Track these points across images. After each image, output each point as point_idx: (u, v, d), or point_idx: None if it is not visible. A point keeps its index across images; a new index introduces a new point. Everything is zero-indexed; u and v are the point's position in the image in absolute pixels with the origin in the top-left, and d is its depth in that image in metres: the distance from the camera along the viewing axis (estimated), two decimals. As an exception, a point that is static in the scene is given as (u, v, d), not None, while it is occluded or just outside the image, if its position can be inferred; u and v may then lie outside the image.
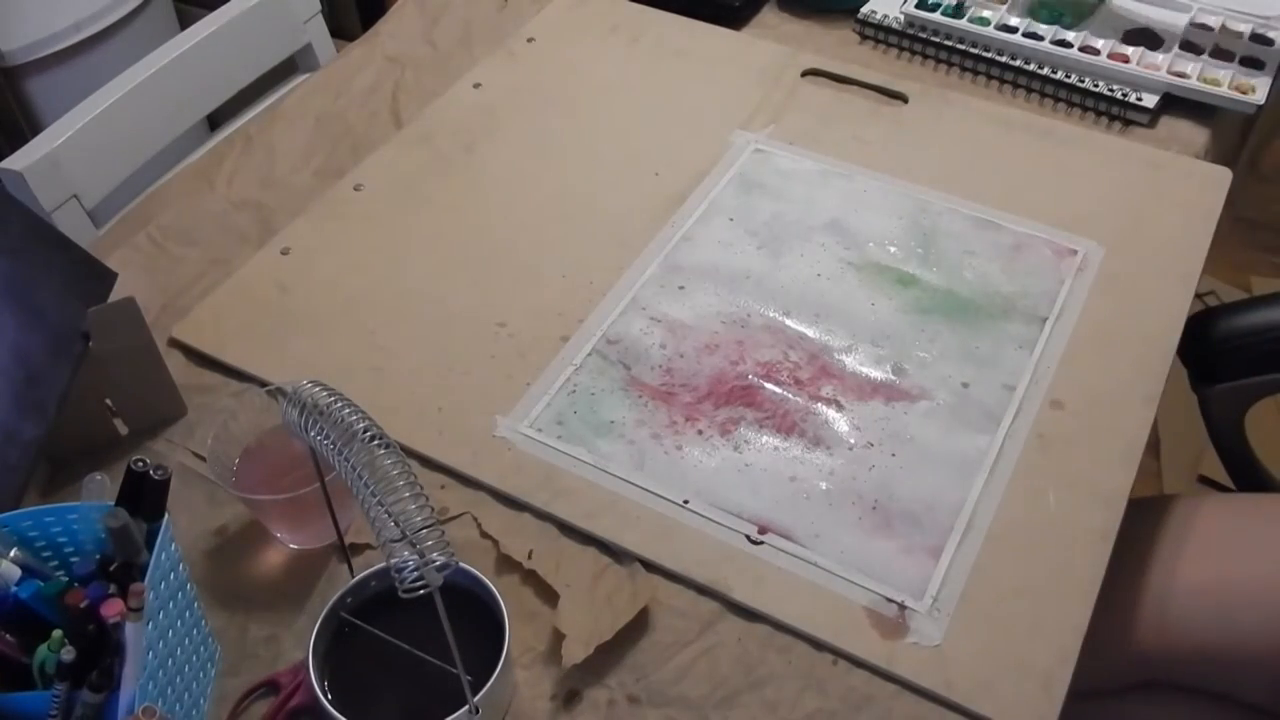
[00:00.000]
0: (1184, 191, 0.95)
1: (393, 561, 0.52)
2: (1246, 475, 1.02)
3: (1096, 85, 1.04)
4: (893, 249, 0.91)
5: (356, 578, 0.65)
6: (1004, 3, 1.12)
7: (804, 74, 1.09)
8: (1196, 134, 1.02)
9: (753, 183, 0.97)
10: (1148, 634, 0.81)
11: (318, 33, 1.23)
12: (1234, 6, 1.10)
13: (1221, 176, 0.96)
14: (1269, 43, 1.07)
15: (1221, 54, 1.06)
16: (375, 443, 0.54)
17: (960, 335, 0.84)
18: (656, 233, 0.93)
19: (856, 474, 0.75)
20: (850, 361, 0.82)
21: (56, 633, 0.55)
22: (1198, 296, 0.86)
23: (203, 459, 0.75)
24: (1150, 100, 1.02)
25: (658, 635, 0.68)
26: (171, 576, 0.61)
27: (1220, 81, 1.03)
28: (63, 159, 0.97)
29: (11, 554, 0.58)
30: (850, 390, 0.80)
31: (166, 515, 0.61)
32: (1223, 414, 0.98)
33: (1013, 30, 1.08)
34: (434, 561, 0.52)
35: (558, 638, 0.66)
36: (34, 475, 0.73)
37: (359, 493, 0.54)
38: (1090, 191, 0.95)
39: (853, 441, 0.77)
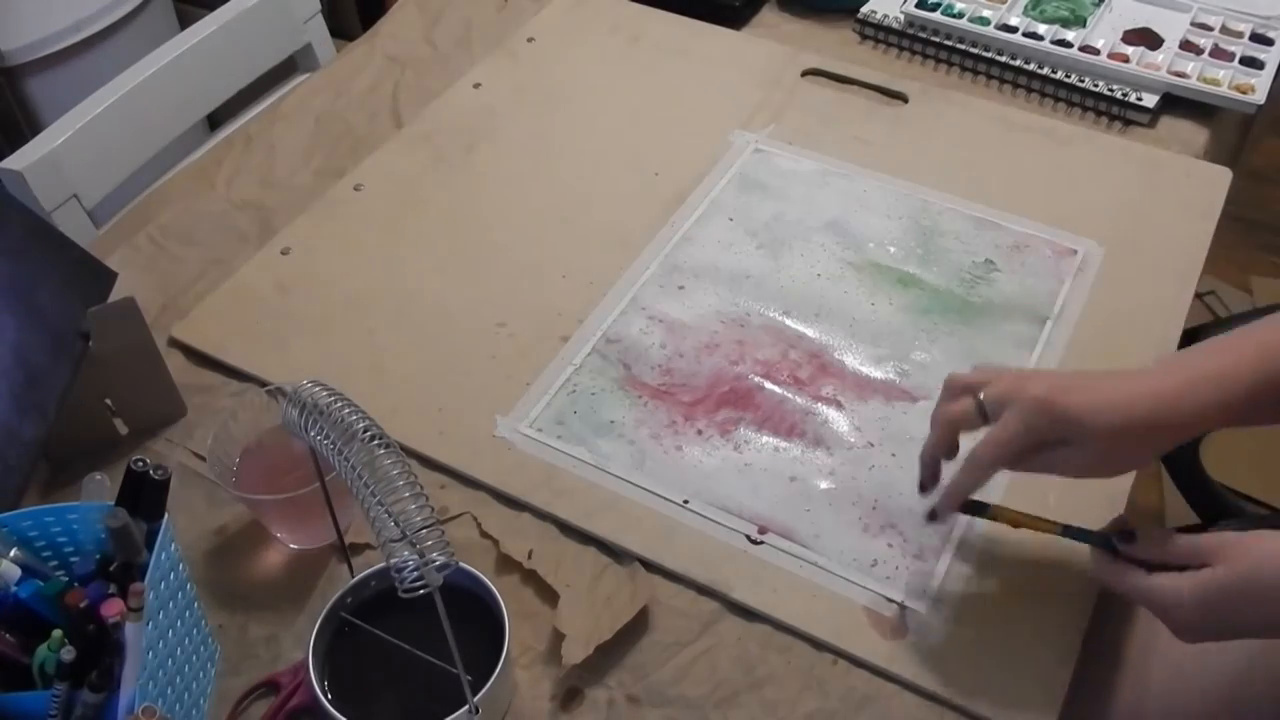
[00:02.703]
0: (1184, 191, 0.95)
1: (393, 561, 0.52)
2: (1206, 504, 1.00)
3: (1096, 85, 1.04)
4: (893, 249, 0.91)
5: (356, 578, 0.65)
6: (1004, 2, 1.12)
7: (804, 74, 1.09)
8: (1196, 134, 1.02)
9: (753, 183, 0.97)
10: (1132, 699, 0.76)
11: (318, 33, 1.23)
12: (1234, 6, 1.10)
13: (1221, 176, 0.96)
14: (1269, 43, 1.07)
15: (1221, 54, 1.06)
16: (375, 443, 0.54)
17: (960, 335, 0.84)
18: (656, 233, 0.93)
19: (856, 474, 0.75)
20: (850, 361, 0.82)
21: (56, 633, 0.55)
22: (1198, 296, 0.86)
23: (203, 459, 0.75)
24: (1150, 100, 1.02)
25: (658, 635, 0.68)
26: (171, 576, 0.61)
27: (1220, 81, 1.03)
28: (63, 159, 0.97)
29: (11, 554, 0.58)
30: (850, 390, 0.80)
31: (166, 515, 0.61)
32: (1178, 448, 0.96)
33: (1013, 30, 1.08)
34: (434, 561, 0.52)
35: (558, 638, 0.66)
36: (34, 475, 0.73)
37: (359, 493, 0.54)
38: (1090, 191, 0.95)
39: (853, 441, 0.77)
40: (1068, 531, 0.65)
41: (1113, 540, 0.61)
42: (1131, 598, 0.61)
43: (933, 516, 0.67)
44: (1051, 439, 0.61)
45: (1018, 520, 0.67)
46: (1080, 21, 1.10)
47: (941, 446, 0.66)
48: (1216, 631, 0.59)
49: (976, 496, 0.66)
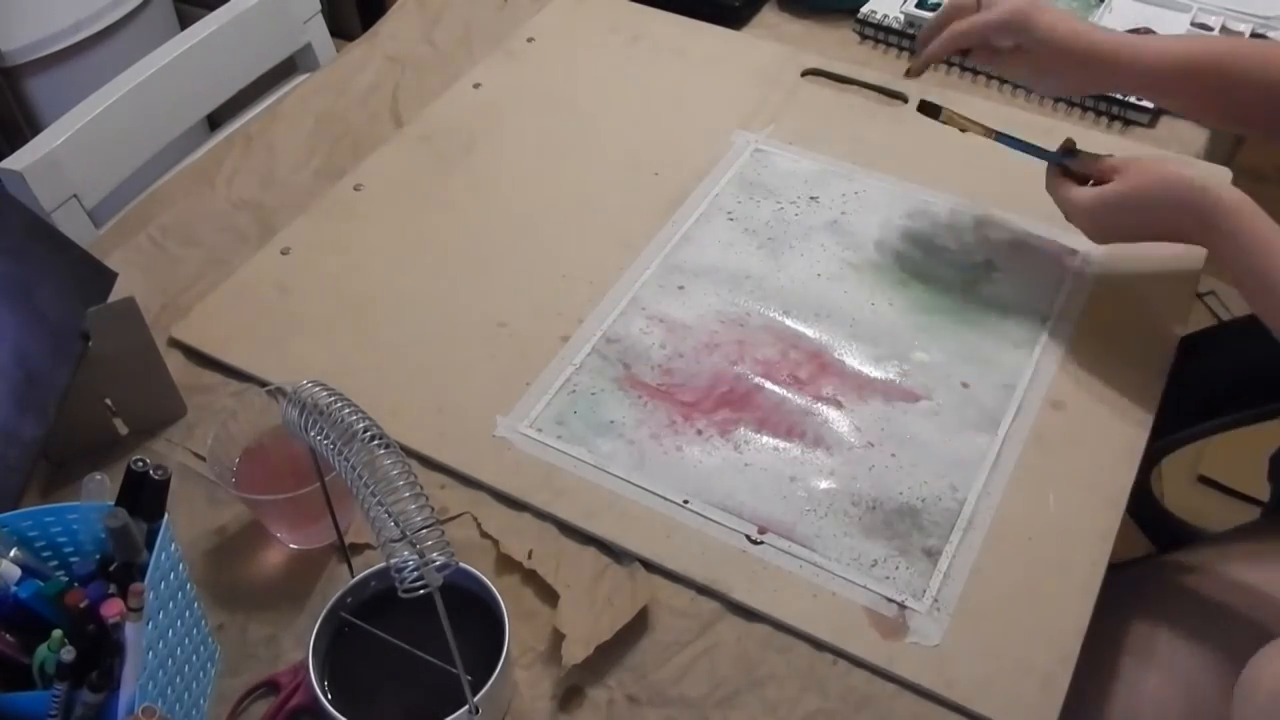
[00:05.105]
0: (1184, 191, 0.94)
1: (393, 561, 0.52)
2: (1163, 532, 1.00)
3: (1096, 85, 1.04)
4: (893, 249, 0.91)
5: (356, 578, 0.65)
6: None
7: (804, 74, 1.09)
8: (1196, 134, 1.02)
9: (753, 183, 0.97)
10: None
11: (318, 33, 1.23)
12: (1234, 6, 1.10)
13: (1221, 176, 0.96)
14: (1269, 43, 1.07)
15: (1221, 54, 1.06)
16: (375, 443, 0.54)
17: (960, 335, 0.84)
18: (656, 233, 0.93)
19: (856, 474, 0.75)
20: (850, 361, 0.82)
21: (56, 633, 0.55)
22: (1198, 296, 0.86)
23: (203, 459, 0.75)
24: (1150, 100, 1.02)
25: (658, 635, 0.68)
26: (171, 576, 0.61)
27: (1220, 81, 1.02)
28: (63, 159, 0.97)
29: (11, 554, 0.58)
30: (850, 390, 0.80)
31: (166, 515, 0.61)
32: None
33: (1013, 30, 1.08)
34: (434, 561, 0.52)
35: (558, 638, 0.66)
36: (34, 475, 0.73)
37: (359, 493, 0.54)
38: (1090, 191, 0.95)
39: (853, 441, 0.77)
40: (1001, 137, 0.85)
41: (1058, 156, 0.83)
42: (1057, 204, 0.82)
43: (909, 74, 0.89)
44: (1013, 40, 0.83)
45: (963, 124, 0.86)
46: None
47: (938, 28, 0.85)
48: (1111, 234, 0.81)
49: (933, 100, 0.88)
